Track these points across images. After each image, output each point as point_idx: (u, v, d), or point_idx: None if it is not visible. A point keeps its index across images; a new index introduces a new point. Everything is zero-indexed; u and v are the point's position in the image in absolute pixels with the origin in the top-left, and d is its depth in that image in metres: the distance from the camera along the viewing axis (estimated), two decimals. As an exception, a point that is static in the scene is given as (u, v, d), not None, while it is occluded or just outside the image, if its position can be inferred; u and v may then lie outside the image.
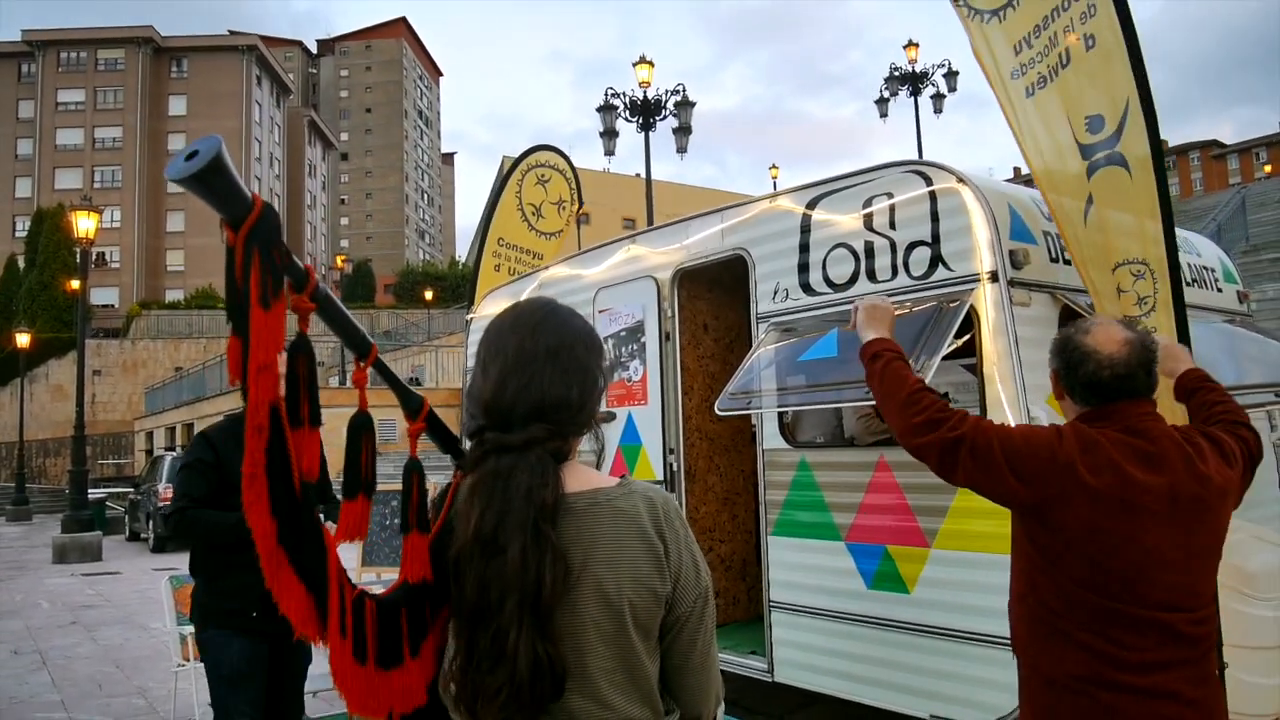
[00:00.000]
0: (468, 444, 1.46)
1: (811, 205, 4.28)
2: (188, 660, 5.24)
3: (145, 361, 43.60)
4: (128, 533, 19.92)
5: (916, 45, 25.08)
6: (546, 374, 1.42)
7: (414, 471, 1.39)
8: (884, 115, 25.40)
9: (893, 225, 3.92)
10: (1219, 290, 5.09)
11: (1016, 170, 41.55)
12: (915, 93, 24.60)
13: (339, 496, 1.44)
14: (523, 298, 6.17)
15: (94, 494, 19.11)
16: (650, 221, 19.07)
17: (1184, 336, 3.45)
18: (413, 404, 1.46)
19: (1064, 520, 2.02)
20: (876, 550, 3.85)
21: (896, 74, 24.61)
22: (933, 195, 3.80)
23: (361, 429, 1.37)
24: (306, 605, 1.24)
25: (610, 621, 1.34)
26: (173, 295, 58.85)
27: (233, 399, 24.82)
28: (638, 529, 1.38)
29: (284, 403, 1.22)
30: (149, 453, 33.25)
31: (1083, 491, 2.00)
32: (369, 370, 1.42)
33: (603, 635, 1.34)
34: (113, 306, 56.77)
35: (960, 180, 3.73)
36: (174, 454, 20.06)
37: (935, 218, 3.77)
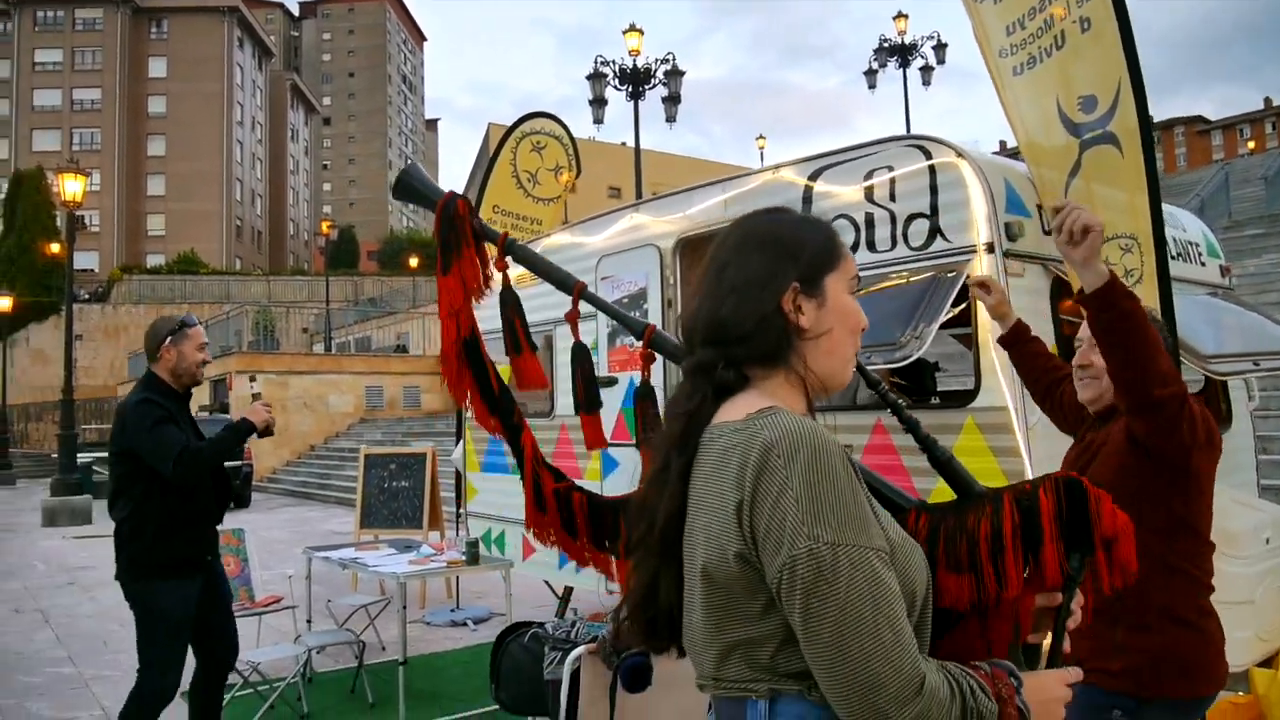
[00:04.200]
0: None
1: (813, 177, 4.41)
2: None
3: (127, 326, 43.30)
4: (115, 497, 19.94)
5: (906, 16, 25.11)
6: (712, 292, 1.35)
7: (644, 399, 1.55)
8: (873, 87, 25.50)
9: (893, 197, 4.06)
10: (1202, 264, 5.25)
11: (1003, 144, 41.74)
12: (904, 64, 24.68)
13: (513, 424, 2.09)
14: (525, 265, 6.26)
15: (80, 458, 19.09)
16: (639, 190, 19.13)
17: (1168, 307, 3.62)
18: (636, 329, 1.69)
19: (1203, 469, 2.30)
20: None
21: (885, 45, 24.66)
22: (932, 169, 3.93)
23: (581, 356, 1.92)
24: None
25: (694, 570, 1.26)
26: (154, 260, 58.42)
27: (218, 365, 24.80)
28: (725, 473, 1.22)
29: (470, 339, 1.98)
30: (133, 418, 33.10)
31: (1214, 445, 2.29)
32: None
33: (693, 585, 1.27)
34: (92, 271, 56.22)
35: (959, 154, 3.86)
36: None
37: (934, 190, 3.90)
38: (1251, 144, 68.43)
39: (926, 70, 25.03)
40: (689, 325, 1.38)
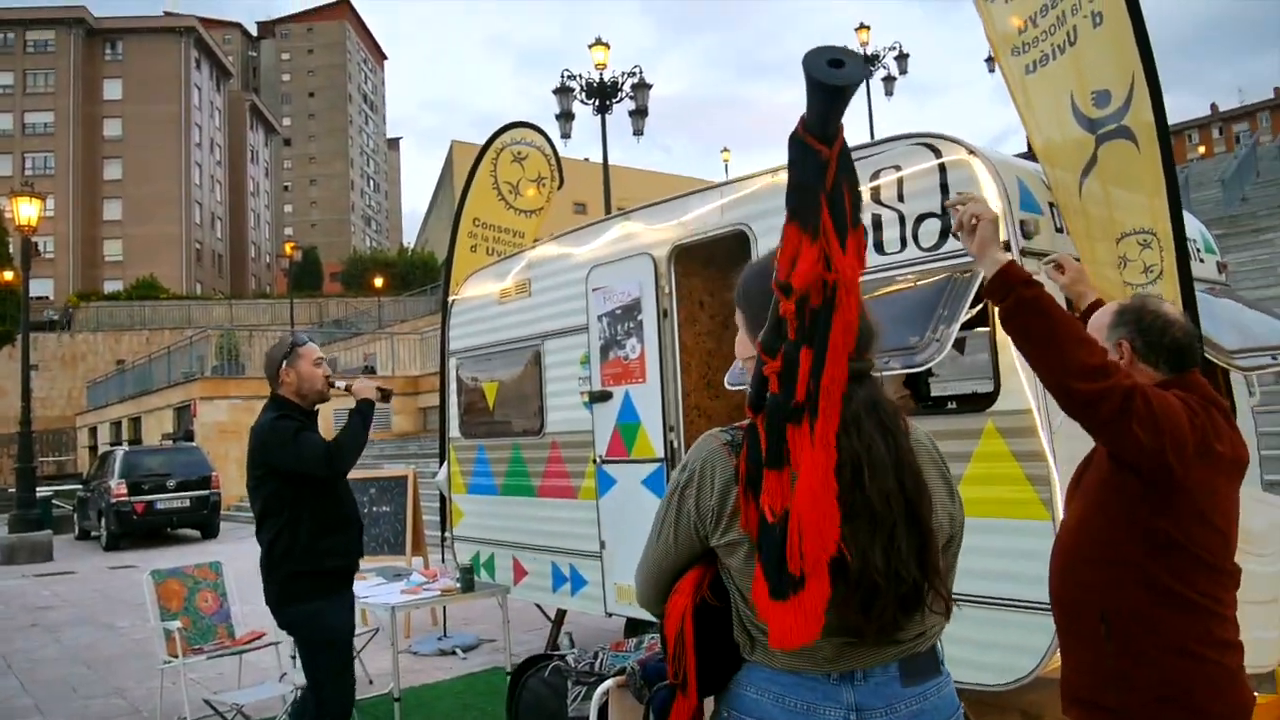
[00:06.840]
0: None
1: (815, 179, 4.26)
2: (175, 656, 5.10)
3: (85, 355, 42.53)
4: (77, 531, 19.40)
5: (868, 28, 25.37)
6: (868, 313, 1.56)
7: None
8: (836, 97, 25.51)
9: (901, 198, 3.93)
10: (1201, 261, 5.18)
11: (963, 152, 42.36)
12: (867, 75, 24.77)
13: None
14: (510, 278, 6.08)
15: (39, 492, 18.52)
16: (608, 205, 18.98)
17: (1190, 303, 3.51)
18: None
19: (1197, 483, 2.02)
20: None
21: (849, 56, 24.75)
22: (942, 167, 3.80)
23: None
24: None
25: (939, 533, 1.56)
26: (111, 286, 57.41)
27: (182, 391, 24.23)
28: (933, 458, 1.60)
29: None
30: (93, 449, 32.37)
31: (1211, 456, 2.03)
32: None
33: (940, 545, 1.55)
34: (47, 299, 55.09)
35: (971, 152, 3.74)
36: (123, 449, 19.55)
37: (945, 190, 3.78)
38: (1201, 149, 69.81)
39: (889, 80, 25.26)
40: (867, 335, 1.52)
